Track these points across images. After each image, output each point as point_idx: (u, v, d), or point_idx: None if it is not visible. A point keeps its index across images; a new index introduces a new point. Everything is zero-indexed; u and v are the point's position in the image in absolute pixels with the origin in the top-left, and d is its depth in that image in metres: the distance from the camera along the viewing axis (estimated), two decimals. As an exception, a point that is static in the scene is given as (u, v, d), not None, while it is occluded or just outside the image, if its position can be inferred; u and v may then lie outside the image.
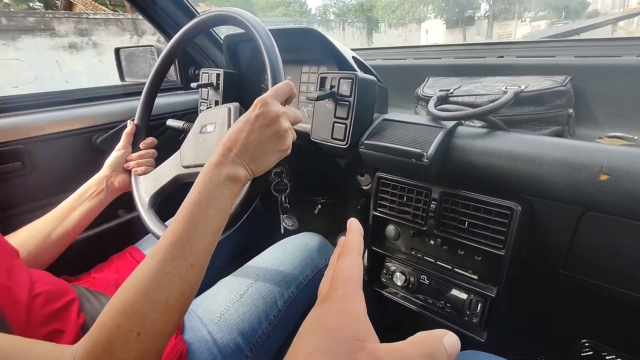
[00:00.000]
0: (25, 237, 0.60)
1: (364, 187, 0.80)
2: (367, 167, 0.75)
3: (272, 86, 0.50)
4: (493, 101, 0.60)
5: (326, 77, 0.65)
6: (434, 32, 31.10)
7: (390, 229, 0.72)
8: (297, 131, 0.62)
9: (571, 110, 0.62)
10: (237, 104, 0.66)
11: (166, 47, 0.73)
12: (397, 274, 0.73)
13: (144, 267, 0.36)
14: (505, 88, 0.62)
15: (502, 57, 0.78)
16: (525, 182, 0.51)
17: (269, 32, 0.55)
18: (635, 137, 0.60)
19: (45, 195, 0.80)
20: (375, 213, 0.71)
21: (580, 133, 0.66)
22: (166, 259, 0.36)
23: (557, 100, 0.61)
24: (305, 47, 0.81)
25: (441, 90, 0.70)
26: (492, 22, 30.12)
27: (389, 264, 0.76)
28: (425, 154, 0.54)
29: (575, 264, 0.56)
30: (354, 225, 0.28)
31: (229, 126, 0.61)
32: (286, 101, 0.49)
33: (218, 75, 0.91)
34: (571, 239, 0.53)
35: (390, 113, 0.70)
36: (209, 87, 0.93)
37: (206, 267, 0.40)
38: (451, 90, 0.69)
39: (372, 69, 0.79)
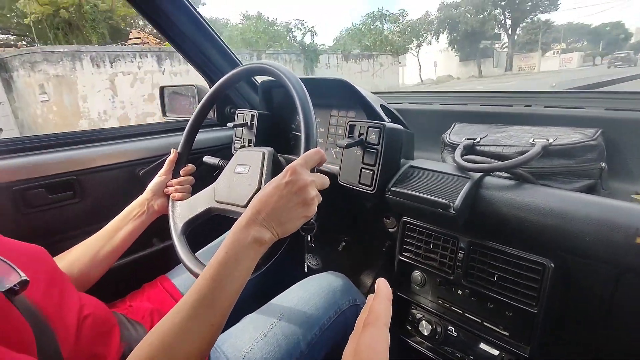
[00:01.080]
0: (76, 255, 0.67)
1: (389, 230, 0.81)
2: (393, 211, 0.76)
3: (303, 150, 0.54)
4: (521, 153, 0.61)
5: (355, 125, 0.68)
6: (444, 64, 30.26)
7: (417, 274, 0.72)
8: (325, 172, 0.65)
9: (603, 164, 0.61)
10: (271, 149, 0.70)
11: (210, 90, 0.80)
12: (423, 322, 0.71)
13: (169, 322, 0.40)
14: (533, 140, 0.63)
15: (530, 106, 0.79)
16: (556, 239, 0.51)
17: (307, 94, 0.59)
18: (676, 194, 0.58)
19: (93, 221, 0.86)
20: (401, 258, 0.71)
21: (615, 186, 0.65)
22: (190, 316, 0.40)
23: (587, 154, 0.61)
24: (335, 94, 0.86)
25: (468, 139, 0.72)
26: (512, 54, 29.41)
27: (414, 311, 0.75)
28: (452, 204, 0.55)
29: (616, 324, 0.53)
30: (382, 290, 0.29)
31: (262, 170, 0.65)
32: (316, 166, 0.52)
33: (252, 116, 0.98)
34: (611, 299, 0.51)
35: (416, 160, 0.72)
36: (244, 127, 0.99)
37: (223, 325, 0.44)
38: (478, 139, 0.70)
39: (398, 114, 0.82)
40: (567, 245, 0.50)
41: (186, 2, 0.94)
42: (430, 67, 30.28)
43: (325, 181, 0.52)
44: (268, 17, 15.93)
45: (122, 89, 7.87)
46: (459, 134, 0.78)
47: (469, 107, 0.89)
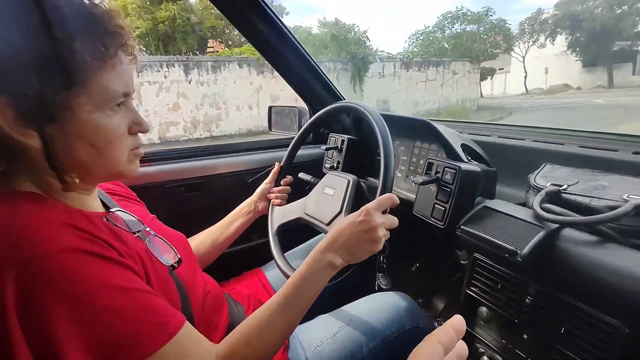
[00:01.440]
0: (202, 239, 0.90)
1: (461, 262, 0.84)
2: (464, 246, 0.80)
3: (380, 192, 0.65)
4: (611, 208, 0.59)
5: (433, 163, 0.75)
6: (562, 71, 24.80)
7: (483, 310, 0.74)
8: (402, 199, 0.73)
9: None
10: (355, 178, 0.81)
11: (310, 119, 0.96)
12: (485, 358, 0.73)
13: (261, 313, 0.55)
14: (628, 196, 0.60)
15: (639, 153, 0.73)
16: (627, 303, 0.49)
17: (390, 142, 0.69)
18: None
19: (214, 214, 1.09)
20: (468, 291, 0.74)
21: None
22: (275, 312, 0.55)
23: (696, 219, 0.55)
24: (420, 130, 0.92)
25: (554, 184, 0.71)
26: None
27: (478, 345, 0.77)
28: (519, 252, 0.57)
29: None
30: (452, 319, 0.35)
31: (345, 196, 0.77)
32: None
33: (343, 140, 1.11)
34: None
35: (494, 200, 0.74)
36: (334, 150, 1.13)
37: (298, 323, 0.57)
38: (565, 186, 0.69)
39: (482, 151, 0.84)
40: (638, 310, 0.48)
41: (292, 37, 1.12)
42: (542, 74, 25.48)
43: (395, 222, 0.63)
44: (345, 24, 15.07)
45: (147, 98, 8.27)
46: (546, 177, 0.77)
47: (565, 147, 0.85)
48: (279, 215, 0.91)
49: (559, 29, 24.43)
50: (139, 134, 0.54)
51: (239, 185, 1.20)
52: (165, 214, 0.82)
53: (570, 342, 0.57)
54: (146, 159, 1.10)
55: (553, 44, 25.27)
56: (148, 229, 0.58)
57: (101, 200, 0.59)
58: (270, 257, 0.83)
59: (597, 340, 0.53)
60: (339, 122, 1.33)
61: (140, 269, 0.49)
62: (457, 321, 0.35)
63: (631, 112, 11.10)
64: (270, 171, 1.00)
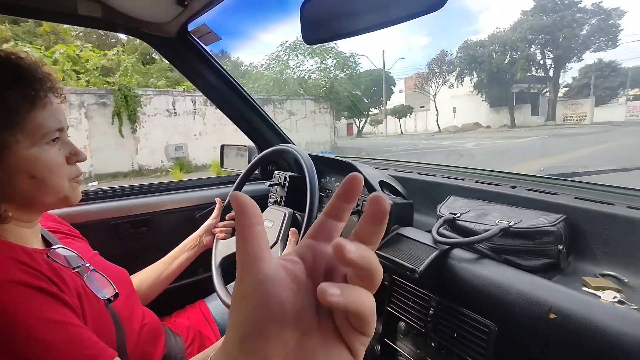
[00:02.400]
0: (145, 276, 0.92)
1: (385, 283, 0.95)
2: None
3: (305, 223, 0.76)
4: (487, 231, 0.74)
5: (355, 197, 0.88)
6: (473, 110, 26.01)
7: (401, 324, 0.84)
8: None
9: (561, 247, 0.72)
10: (291, 211, 0.91)
11: (254, 160, 1.06)
12: None
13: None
14: (498, 221, 0.76)
15: (515, 187, 0.91)
16: (497, 307, 0.62)
17: (315, 178, 0.81)
18: (626, 280, 0.66)
19: (160, 250, 1.11)
20: (388, 308, 0.85)
21: (579, 267, 0.73)
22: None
23: (544, 237, 0.72)
24: (348, 169, 1.06)
25: (451, 213, 0.86)
26: (555, 100, 24.09)
27: (400, 359, 0.86)
28: (417, 269, 0.70)
29: None
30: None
31: (281, 228, 0.87)
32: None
33: (285, 177, 1.22)
34: None
35: (407, 228, 0.88)
36: (278, 186, 1.23)
37: None
38: (458, 215, 0.85)
39: (399, 186, 0.99)
40: (504, 313, 0.62)
41: (237, 84, 1.25)
42: (458, 113, 26.81)
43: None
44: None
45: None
46: (448, 207, 0.92)
47: (465, 182, 1.03)
48: (223, 248, 0.97)
49: (466, 70, 25.81)
50: (78, 164, 0.61)
51: (188, 221, 1.25)
52: (110, 250, 0.85)
53: (462, 344, 0.68)
54: (90, 197, 1.12)
55: (462, 85, 26.75)
56: (87, 265, 0.62)
57: (43, 238, 0.63)
58: (214, 289, 0.88)
59: (478, 339, 0.66)
60: (284, 160, 1.44)
61: (77, 304, 0.53)
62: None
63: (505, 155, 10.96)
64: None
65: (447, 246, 0.74)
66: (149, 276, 0.92)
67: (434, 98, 27.29)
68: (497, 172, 1.02)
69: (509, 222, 0.74)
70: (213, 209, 1.17)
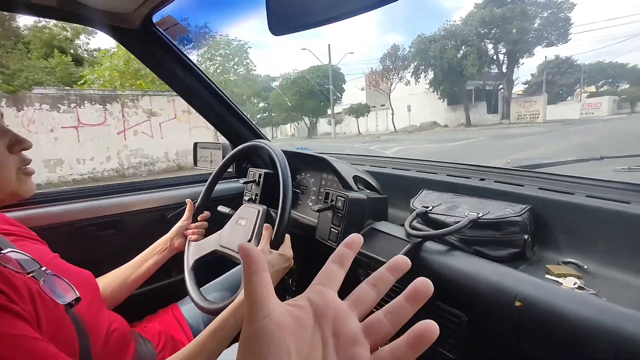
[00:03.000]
0: (111, 279, 0.88)
1: (361, 278, 0.96)
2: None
3: (278, 219, 0.75)
4: (457, 223, 0.76)
5: (329, 193, 0.87)
6: (432, 108, 24.93)
7: (376, 319, 0.85)
8: (308, 225, 0.82)
9: (527, 236, 0.74)
10: (265, 208, 0.90)
11: (227, 157, 1.03)
12: None
13: (190, 346, 0.61)
14: (467, 213, 0.77)
15: (484, 179, 0.94)
16: (467, 297, 0.64)
17: (288, 175, 0.80)
18: (586, 267, 0.69)
19: (129, 253, 1.07)
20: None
21: (544, 255, 0.76)
22: (206, 340, 0.62)
23: (511, 228, 0.74)
24: (323, 165, 1.06)
25: (423, 207, 0.87)
26: (510, 97, 23.49)
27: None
28: (390, 263, 0.70)
29: None
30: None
31: (255, 225, 0.85)
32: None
33: (260, 174, 1.20)
34: (516, 353, 0.62)
35: (381, 222, 0.88)
36: (253, 183, 1.21)
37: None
38: (430, 208, 0.86)
39: (373, 181, 1.00)
40: (474, 302, 0.63)
41: (207, 78, 1.21)
42: (417, 112, 25.32)
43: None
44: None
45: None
46: (421, 201, 0.94)
47: (438, 176, 1.04)
48: (195, 250, 0.94)
49: (422, 66, 23.79)
50: (24, 152, 0.57)
51: (159, 222, 1.20)
52: (76, 254, 0.80)
53: None
54: (52, 199, 1.06)
55: (418, 82, 24.58)
56: (44, 269, 0.59)
57: None
58: (187, 292, 0.85)
59: (449, 330, 0.67)
60: (260, 157, 1.42)
61: (30, 312, 0.50)
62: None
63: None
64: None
65: (420, 239, 0.75)
66: (114, 279, 0.88)
67: (389, 96, 25.77)
68: (468, 165, 1.04)
69: (478, 214, 0.76)
70: (185, 209, 1.13)
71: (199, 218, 1.02)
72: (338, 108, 27.13)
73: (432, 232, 0.73)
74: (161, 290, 1.15)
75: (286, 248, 0.78)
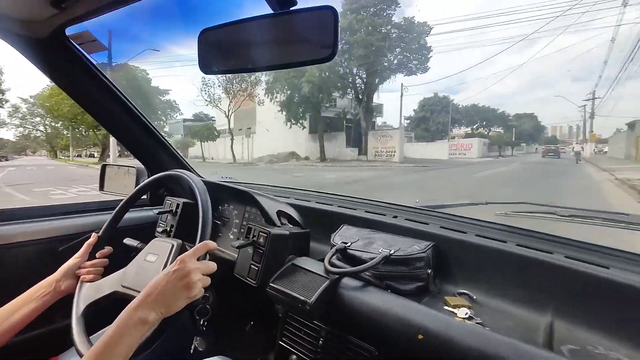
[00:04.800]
0: None
1: (279, 315, 0.94)
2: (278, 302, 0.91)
3: (198, 241, 0.70)
4: (372, 259, 0.81)
5: (251, 228, 0.86)
6: (294, 136, 21.52)
7: (293, 358, 0.84)
8: (226, 260, 0.78)
9: (430, 271, 0.83)
10: (180, 242, 0.84)
11: (148, 179, 0.94)
12: None
13: None
14: (381, 250, 0.84)
15: (396, 217, 1.03)
16: (377, 332, 0.68)
17: (208, 204, 0.77)
18: (475, 297, 0.80)
19: (6, 296, 0.88)
20: (281, 342, 0.83)
21: (444, 287, 0.85)
22: None
23: (417, 263, 0.82)
24: (247, 198, 1.05)
25: (343, 242, 0.92)
26: (367, 130, 20.78)
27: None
28: (308, 300, 0.71)
29: None
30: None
31: (167, 262, 0.78)
32: (205, 254, 0.68)
33: (178, 204, 1.12)
34: None
35: (302, 258, 0.89)
36: (169, 214, 1.12)
37: None
38: (349, 244, 0.91)
39: (297, 216, 1.02)
40: (384, 337, 0.67)
41: (128, 102, 1.13)
42: (281, 137, 21.44)
43: (212, 267, 0.67)
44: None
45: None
46: (341, 236, 0.98)
47: (357, 212, 1.11)
48: (89, 292, 0.80)
49: (278, 85, 19.28)
50: None
51: (47, 257, 1.02)
52: None
53: None
54: None
55: (272, 102, 19.79)
56: None
57: None
58: (73, 343, 0.72)
59: None
60: (180, 186, 1.34)
61: None
62: None
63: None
64: (85, 241, 0.90)
65: (337, 275, 0.78)
66: None
67: (227, 116, 21.68)
68: (384, 203, 1.14)
69: (390, 251, 0.83)
70: (80, 242, 0.98)
71: (97, 255, 0.87)
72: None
73: (349, 269, 0.77)
74: (40, 340, 0.96)
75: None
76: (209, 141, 24.10)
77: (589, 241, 0.72)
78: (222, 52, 0.50)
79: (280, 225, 0.91)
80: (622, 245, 0.68)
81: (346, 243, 0.91)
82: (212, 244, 0.68)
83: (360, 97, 21.02)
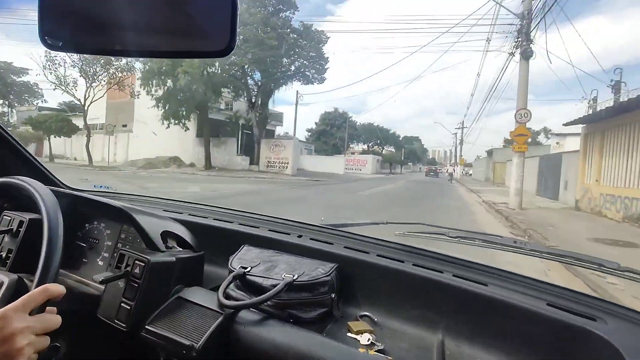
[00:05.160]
0: None
1: None
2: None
3: (35, 285, 0.51)
4: (274, 286, 0.73)
5: (124, 255, 0.69)
6: (178, 137, 18.58)
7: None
8: (90, 296, 0.60)
9: (334, 295, 0.79)
10: (15, 277, 0.61)
11: None
12: None
13: None
14: (284, 276, 0.77)
15: (301, 236, 0.98)
16: None
17: (58, 224, 0.58)
18: (376, 319, 0.80)
19: None
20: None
21: (347, 311, 0.83)
22: None
23: (321, 288, 0.78)
24: (123, 215, 0.85)
25: (241, 267, 0.81)
26: (260, 138, 19.25)
27: None
28: (195, 345, 0.59)
29: None
30: None
31: None
32: (45, 303, 0.49)
33: (22, 222, 0.85)
34: None
35: (192, 288, 0.75)
36: (5, 235, 0.84)
37: None
38: (249, 269, 0.81)
39: (189, 236, 0.87)
40: None
41: None
42: (165, 138, 18.06)
43: (51, 324, 0.49)
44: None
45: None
46: (240, 259, 0.87)
47: (260, 230, 1.02)
48: None
49: (156, 79, 16.12)
50: None
51: None
52: None
53: None
54: None
55: (149, 95, 16.66)
56: None
57: None
58: None
59: None
60: (26, 197, 1.03)
61: None
62: None
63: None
64: None
65: (233, 309, 0.68)
66: None
67: (84, 105, 17.91)
68: (287, 221, 1.08)
69: (294, 276, 0.76)
70: None
71: None
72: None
73: (246, 301, 0.68)
74: None
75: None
76: (63, 137, 18.92)
77: (472, 260, 0.78)
78: (77, 23, 0.37)
79: (164, 250, 0.75)
80: (498, 264, 0.76)
81: (245, 268, 0.81)
82: (56, 290, 0.49)
83: (253, 100, 18.98)
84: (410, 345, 0.71)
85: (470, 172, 44.94)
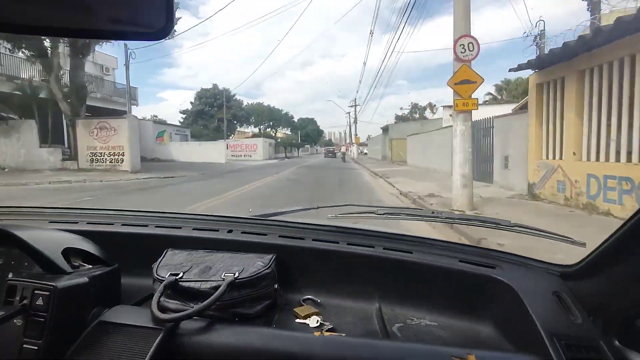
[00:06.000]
0: None
1: None
2: None
3: None
4: (215, 288, 0.69)
5: (16, 287, 0.54)
6: None
7: None
8: None
9: (276, 285, 0.79)
10: None
11: None
12: None
13: None
14: (223, 276, 0.72)
15: (231, 231, 0.93)
16: None
17: None
18: (319, 300, 0.83)
19: None
20: None
21: (290, 298, 0.83)
22: None
23: (264, 282, 0.76)
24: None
25: (172, 274, 0.73)
26: (75, 118, 11.89)
27: None
28: (136, 374, 0.52)
29: None
30: None
31: None
32: None
33: None
34: None
35: (115, 308, 0.65)
36: None
37: None
38: (181, 275, 0.73)
39: (96, 250, 0.73)
40: None
41: None
42: None
43: None
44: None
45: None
46: (167, 266, 0.78)
47: (183, 231, 0.93)
48: None
49: None
50: None
51: None
52: None
53: None
54: None
55: None
56: None
57: None
58: None
59: None
60: None
61: None
62: None
63: None
64: None
65: (173, 322, 0.61)
66: None
67: None
68: (212, 216, 1.01)
69: (235, 275, 0.73)
70: None
71: None
72: None
73: (189, 310, 0.62)
74: None
75: None
76: None
77: (399, 232, 0.88)
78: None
79: (71, 270, 0.62)
80: (421, 233, 0.87)
81: (176, 274, 0.74)
82: None
83: (50, 51, 11.38)
84: (354, 318, 0.77)
85: (366, 151, 45.38)
